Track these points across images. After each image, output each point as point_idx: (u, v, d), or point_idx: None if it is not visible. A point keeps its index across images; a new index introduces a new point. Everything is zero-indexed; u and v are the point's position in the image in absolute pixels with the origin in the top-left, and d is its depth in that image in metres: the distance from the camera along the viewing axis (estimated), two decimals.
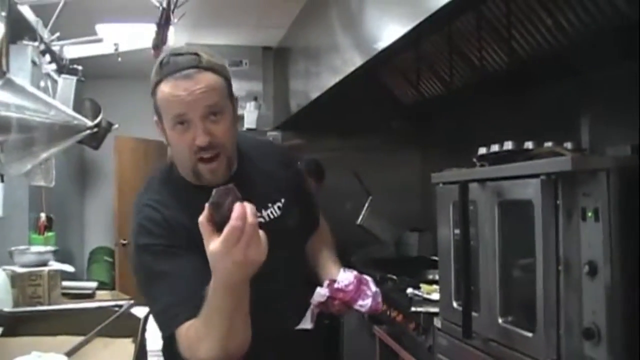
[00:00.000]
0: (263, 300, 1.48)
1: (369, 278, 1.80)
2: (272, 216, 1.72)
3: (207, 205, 1.29)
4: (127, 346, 1.62)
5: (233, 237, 1.25)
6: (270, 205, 1.72)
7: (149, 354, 1.91)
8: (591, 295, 1.74)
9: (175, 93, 1.53)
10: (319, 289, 1.72)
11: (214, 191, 1.29)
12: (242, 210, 1.26)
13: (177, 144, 1.58)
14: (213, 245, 1.28)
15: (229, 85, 1.64)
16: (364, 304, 1.72)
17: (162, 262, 1.55)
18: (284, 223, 1.73)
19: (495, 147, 2.15)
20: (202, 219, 1.29)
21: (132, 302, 1.77)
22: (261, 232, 1.31)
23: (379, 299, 1.77)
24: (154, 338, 2.04)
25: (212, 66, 1.59)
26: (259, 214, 1.56)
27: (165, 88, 1.55)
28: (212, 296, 1.36)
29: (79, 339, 1.62)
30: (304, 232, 1.91)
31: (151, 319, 1.75)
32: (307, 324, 1.71)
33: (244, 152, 1.77)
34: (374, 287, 1.77)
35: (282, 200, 1.76)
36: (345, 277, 1.78)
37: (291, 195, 1.80)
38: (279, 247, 1.47)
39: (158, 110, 1.60)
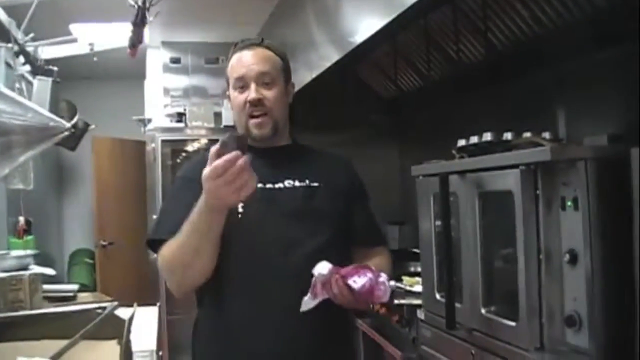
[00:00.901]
0: (278, 270, 1.77)
1: (384, 274, 1.71)
2: (301, 186, 1.90)
3: (220, 140, 1.55)
4: (112, 348, 1.61)
5: (215, 171, 1.53)
6: (307, 180, 1.92)
7: (134, 355, 1.91)
8: (572, 283, 1.76)
9: (239, 60, 1.92)
10: (324, 262, 1.68)
11: (229, 134, 1.56)
12: (235, 157, 1.52)
13: (235, 103, 1.92)
14: (207, 169, 1.55)
15: (286, 67, 1.98)
16: (358, 280, 1.65)
17: (180, 192, 1.90)
18: (311, 200, 1.90)
19: (474, 139, 2.16)
20: (212, 149, 1.56)
21: (115, 303, 1.76)
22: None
23: (382, 289, 1.68)
24: (139, 339, 2.05)
25: (271, 47, 1.97)
26: (290, 181, 1.88)
27: (233, 58, 1.94)
28: (193, 212, 1.66)
29: (63, 343, 1.60)
30: (340, 230, 1.92)
31: (135, 320, 1.76)
32: (309, 303, 1.70)
33: (302, 143, 2.09)
34: (382, 279, 1.69)
35: (319, 184, 1.92)
36: None
37: (333, 189, 1.94)
38: (305, 218, 1.83)
39: (228, 80, 1.96)
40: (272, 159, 1.93)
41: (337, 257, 1.81)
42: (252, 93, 1.87)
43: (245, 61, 1.91)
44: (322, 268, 1.66)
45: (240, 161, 1.53)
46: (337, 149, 2.10)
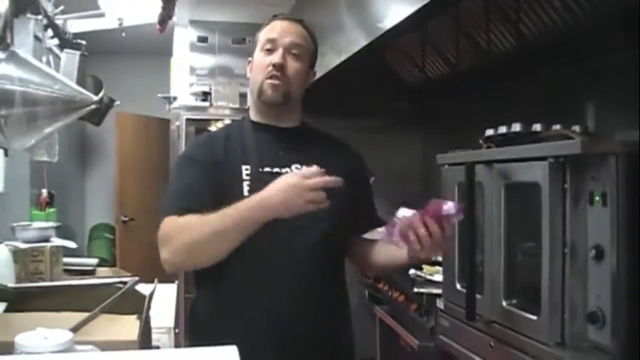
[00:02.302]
0: (281, 256, 1.78)
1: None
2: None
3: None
4: (131, 323, 1.61)
5: (303, 179, 1.63)
6: (314, 166, 1.85)
7: (153, 330, 1.91)
8: (596, 280, 1.74)
9: (274, 25, 1.94)
10: (402, 210, 1.65)
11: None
12: (323, 180, 1.63)
13: (258, 64, 1.92)
14: (293, 175, 1.68)
15: (314, 53, 2.01)
16: (448, 207, 1.62)
17: (184, 171, 1.92)
18: None
19: (502, 129, 2.13)
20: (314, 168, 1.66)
21: (136, 278, 1.76)
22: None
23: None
24: (157, 316, 2.05)
25: (309, 29, 1.99)
26: (298, 166, 1.86)
27: (269, 25, 1.96)
28: (237, 206, 1.69)
29: (83, 315, 1.61)
30: (344, 217, 1.90)
31: (156, 296, 1.76)
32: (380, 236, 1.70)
33: (311, 126, 2.09)
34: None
35: (327, 169, 1.85)
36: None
37: (339, 173, 1.84)
38: None
39: (255, 44, 1.97)
40: (281, 141, 1.93)
41: (339, 242, 1.82)
42: (277, 57, 1.87)
43: (280, 27, 1.93)
44: (405, 212, 1.65)
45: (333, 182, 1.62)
46: (360, 135, 2.09)
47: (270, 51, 1.90)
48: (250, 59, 1.99)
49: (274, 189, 1.66)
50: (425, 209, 1.65)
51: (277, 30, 1.92)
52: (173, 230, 1.76)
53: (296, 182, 1.63)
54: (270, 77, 1.88)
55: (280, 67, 1.87)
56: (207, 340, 1.61)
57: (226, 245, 1.73)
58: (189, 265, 1.87)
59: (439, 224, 1.63)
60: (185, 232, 1.75)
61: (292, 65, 1.89)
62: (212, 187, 1.82)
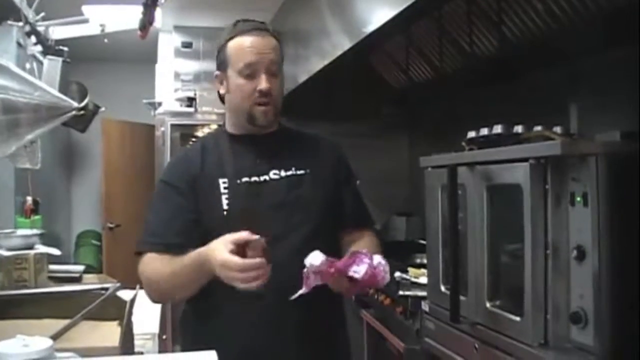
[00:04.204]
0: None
1: (378, 256, 1.66)
2: (287, 175, 1.90)
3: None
4: (113, 329, 1.61)
5: (237, 267, 1.57)
6: (293, 169, 1.91)
7: (137, 336, 1.91)
8: (579, 280, 1.74)
9: (250, 45, 1.86)
10: (317, 252, 1.64)
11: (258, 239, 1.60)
12: (260, 264, 1.58)
13: (240, 90, 1.88)
14: (225, 253, 1.60)
15: (282, 58, 1.96)
16: (358, 269, 1.60)
17: (161, 199, 1.93)
18: (297, 189, 1.89)
19: (484, 131, 2.14)
20: (244, 234, 1.60)
21: (118, 285, 1.76)
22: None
23: (381, 270, 1.63)
24: (142, 322, 2.04)
25: (275, 34, 1.94)
26: (276, 171, 1.88)
27: (240, 41, 1.88)
28: (188, 258, 1.71)
29: (64, 322, 1.61)
30: (327, 216, 1.92)
31: (137, 302, 1.76)
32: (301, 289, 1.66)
33: (287, 127, 2.07)
34: (378, 260, 1.64)
35: (307, 171, 1.93)
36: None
37: (320, 174, 1.95)
38: (290, 209, 1.83)
39: (226, 61, 1.90)
40: (259, 147, 1.93)
41: (324, 245, 1.79)
42: (263, 83, 1.85)
43: (257, 48, 1.87)
44: (314, 259, 1.62)
45: (262, 271, 1.58)
46: (347, 139, 2.09)
47: (250, 75, 1.86)
48: (217, 73, 1.96)
49: (213, 259, 1.65)
50: (337, 261, 1.65)
51: (253, 51, 1.86)
52: (148, 274, 1.82)
53: (221, 273, 1.63)
54: (259, 104, 1.87)
55: (268, 92, 1.86)
56: (198, 348, 1.61)
57: (190, 289, 1.79)
58: (167, 302, 1.90)
59: (348, 279, 1.64)
60: (156, 281, 1.81)
61: (275, 85, 1.88)
62: (188, 213, 1.85)
